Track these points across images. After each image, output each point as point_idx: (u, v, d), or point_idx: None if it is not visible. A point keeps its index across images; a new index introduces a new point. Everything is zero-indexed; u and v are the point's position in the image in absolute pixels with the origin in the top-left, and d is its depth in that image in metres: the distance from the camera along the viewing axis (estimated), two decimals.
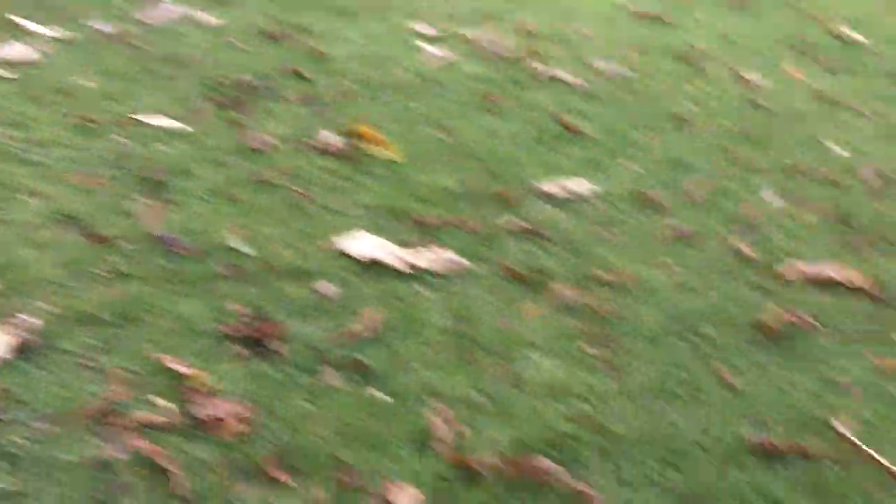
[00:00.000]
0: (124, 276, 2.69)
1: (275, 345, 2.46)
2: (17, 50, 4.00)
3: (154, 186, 3.14)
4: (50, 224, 2.89)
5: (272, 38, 4.56)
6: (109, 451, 2.11)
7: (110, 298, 2.59)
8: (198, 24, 4.59)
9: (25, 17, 4.36)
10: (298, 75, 4.19)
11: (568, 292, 2.78)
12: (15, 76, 3.82)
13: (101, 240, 2.80)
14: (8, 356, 2.35)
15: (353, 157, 3.53)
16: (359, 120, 3.78)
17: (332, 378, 2.40)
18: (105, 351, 2.42)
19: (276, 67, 4.21)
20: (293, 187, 3.27)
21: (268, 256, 2.84)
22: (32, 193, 3.04)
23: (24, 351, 2.37)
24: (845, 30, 5.89)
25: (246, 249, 2.84)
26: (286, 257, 2.86)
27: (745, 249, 3.16)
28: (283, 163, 3.42)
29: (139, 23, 4.49)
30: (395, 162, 3.46)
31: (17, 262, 2.69)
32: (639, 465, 2.18)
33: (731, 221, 3.37)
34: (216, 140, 3.51)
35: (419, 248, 2.91)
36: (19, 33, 4.24)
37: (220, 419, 2.19)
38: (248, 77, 4.06)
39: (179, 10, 4.67)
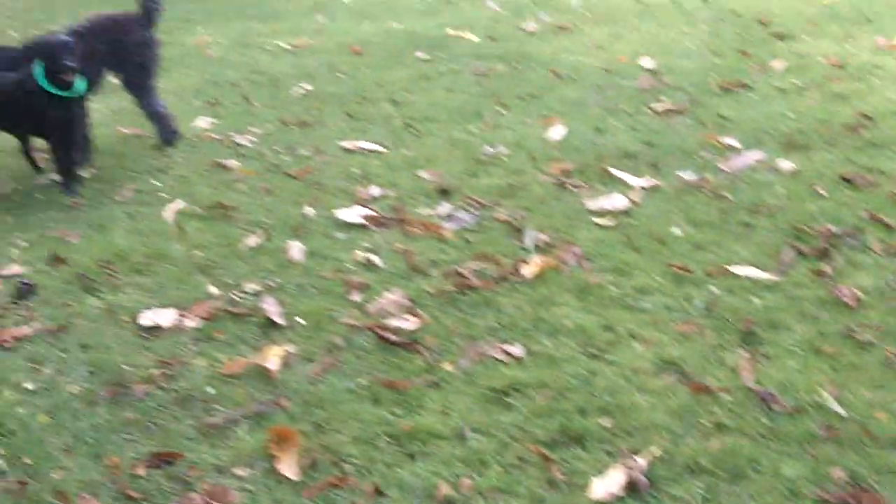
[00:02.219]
0: (725, 428, 3.01)
1: None
2: (612, 200, 4.63)
3: (747, 338, 3.48)
4: (655, 370, 3.32)
5: (852, 183, 4.77)
6: None
7: (713, 449, 2.90)
8: (776, 171, 4.98)
9: (618, 168, 4.94)
10: (882, 224, 4.29)
11: None
12: (612, 224, 4.40)
13: (703, 389, 3.16)
14: (619, 493, 2.74)
15: None
16: None
17: None
18: (708, 501, 2.71)
19: (858, 215, 4.41)
20: (886, 347, 3.39)
21: (864, 420, 2.99)
22: (636, 338, 3.51)
23: (632, 490, 2.75)
24: None
25: (840, 410, 3.04)
26: (884, 423, 2.98)
27: None
28: (873, 319, 3.58)
29: (719, 171, 4.98)
30: None
31: (627, 405, 3.12)
32: None
33: None
34: (804, 291, 3.78)
35: None
36: (614, 183, 4.85)
37: None
38: (830, 225, 4.29)
39: (757, 156, 5.09)
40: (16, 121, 5.75)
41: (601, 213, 4.63)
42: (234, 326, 3.92)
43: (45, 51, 5.44)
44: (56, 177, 5.79)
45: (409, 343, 3.64)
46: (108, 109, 7.25)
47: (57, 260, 4.65)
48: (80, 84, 5.54)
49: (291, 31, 9.76)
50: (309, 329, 3.85)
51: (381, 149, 5.88)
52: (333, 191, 5.28)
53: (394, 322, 3.78)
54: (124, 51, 6.15)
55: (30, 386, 3.61)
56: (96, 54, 5.98)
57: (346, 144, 6.00)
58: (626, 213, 4.61)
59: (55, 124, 5.57)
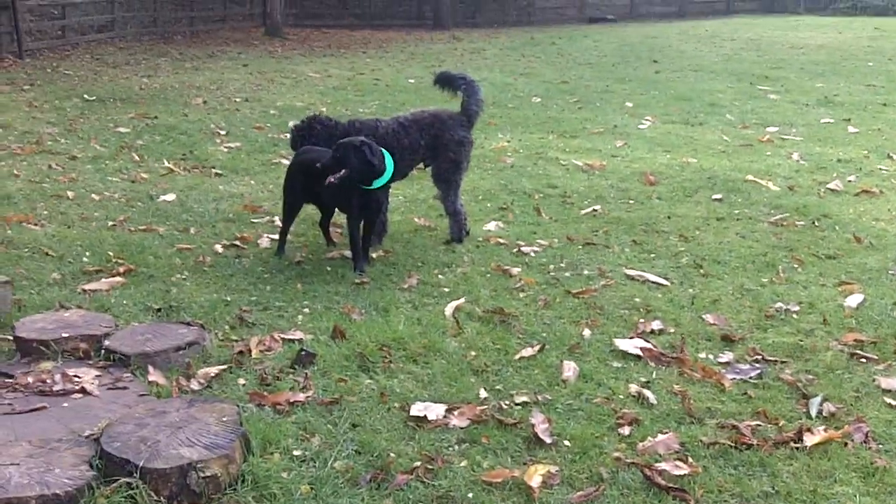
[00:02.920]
0: None
1: None
2: None
3: None
4: None
5: None
6: None
7: None
8: None
9: None
10: None
11: None
12: None
13: None
14: None
15: None
16: None
17: None
18: None
19: None
20: None
21: None
22: None
23: None
24: None
25: None
26: None
27: None
28: None
29: None
30: None
31: None
32: None
33: None
34: None
35: None
36: None
37: None
38: None
39: None
40: (323, 196, 6.07)
41: (895, 394, 4.34)
42: (500, 434, 3.90)
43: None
44: (347, 253, 6.02)
45: (676, 489, 3.49)
46: (405, 198, 7.52)
47: (338, 334, 4.80)
48: (377, 181, 5.76)
49: (588, 151, 9.89)
50: (574, 453, 3.77)
51: (665, 282, 5.80)
52: (613, 317, 5.23)
53: (663, 465, 3.65)
54: (442, 146, 6.40)
55: (297, 453, 3.71)
56: (415, 146, 6.28)
57: (631, 272, 5.96)
58: None
59: (354, 206, 5.83)
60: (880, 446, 3.88)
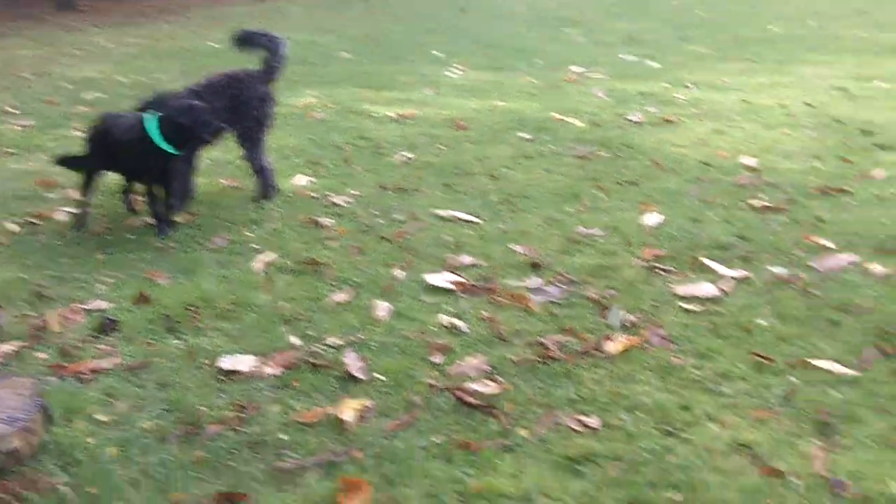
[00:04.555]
0: None
1: None
2: (702, 287, 4.63)
3: (822, 428, 3.42)
4: (728, 451, 3.28)
5: None
6: None
7: None
8: (868, 274, 4.90)
9: (710, 258, 5.02)
10: None
11: None
12: (699, 310, 4.41)
13: (774, 472, 3.15)
14: None
15: None
16: None
17: None
18: None
19: None
20: None
21: None
22: (713, 420, 3.48)
23: None
24: None
25: None
26: None
27: None
28: None
29: (810, 269, 4.93)
30: None
31: (697, 482, 3.09)
32: None
33: None
34: (882, 388, 3.71)
35: None
36: (704, 272, 4.89)
37: None
38: None
39: (850, 259, 5.05)
40: (120, 164, 5.89)
41: (689, 300, 4.54)
42: (313, 377, 3.87)
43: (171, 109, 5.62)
44: (150, 220, 5.86)
45: (486, 406, 3.55)
46: (211, 161, 7.37)
47: (142, 299, 4.67)
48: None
49: (399, 102, 9.90)
50: (388, 386, 3.78)
51: (476, 220, 5.85)
52: (425, 256, 5.25)
53: (473, 385, 3.71)
54: (243, 105, 6.26)
55: (102, 418, 3.59)
56: (215, 111, 6.05)
57: (442, 213, 5.99)
58: (714, 301, 4.53)
59: (156, 173, 5.69)
60: (676, 346, 4.06)
